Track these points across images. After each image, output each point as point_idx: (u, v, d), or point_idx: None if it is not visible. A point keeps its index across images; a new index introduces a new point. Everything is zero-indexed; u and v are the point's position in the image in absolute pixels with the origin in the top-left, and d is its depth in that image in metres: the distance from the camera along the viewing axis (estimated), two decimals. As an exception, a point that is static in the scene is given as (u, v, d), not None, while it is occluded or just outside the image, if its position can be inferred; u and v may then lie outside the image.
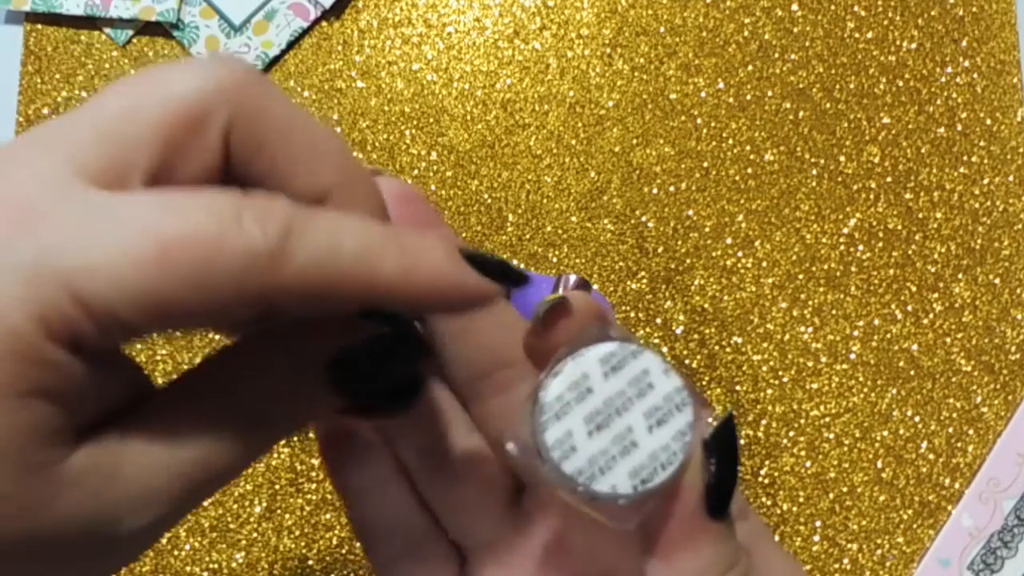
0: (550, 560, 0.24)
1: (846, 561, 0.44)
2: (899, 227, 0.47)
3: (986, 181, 0.48)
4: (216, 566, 0.43)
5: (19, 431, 0.16)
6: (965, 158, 0.48)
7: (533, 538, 0.24)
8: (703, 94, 0.48)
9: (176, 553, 0.43)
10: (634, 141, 0.48)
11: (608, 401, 0.20)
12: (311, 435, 0.45)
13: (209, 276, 0.16)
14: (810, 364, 0.46)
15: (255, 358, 0.20)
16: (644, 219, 0.47)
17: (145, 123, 0.18)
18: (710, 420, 0.21)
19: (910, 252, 0.47)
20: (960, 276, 0.47)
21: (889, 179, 0.48)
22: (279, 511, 0.44)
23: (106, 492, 0.17)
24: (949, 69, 0.49)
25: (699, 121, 0.48)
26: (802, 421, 0.45)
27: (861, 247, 0.47)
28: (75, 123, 0.18)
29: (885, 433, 0.45)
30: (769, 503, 0.45)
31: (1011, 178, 0.48)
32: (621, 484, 0.20)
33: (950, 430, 0.45)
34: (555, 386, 0.20)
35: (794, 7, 0.49)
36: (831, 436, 0.45)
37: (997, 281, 0.47)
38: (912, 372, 0.46)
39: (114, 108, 0.18)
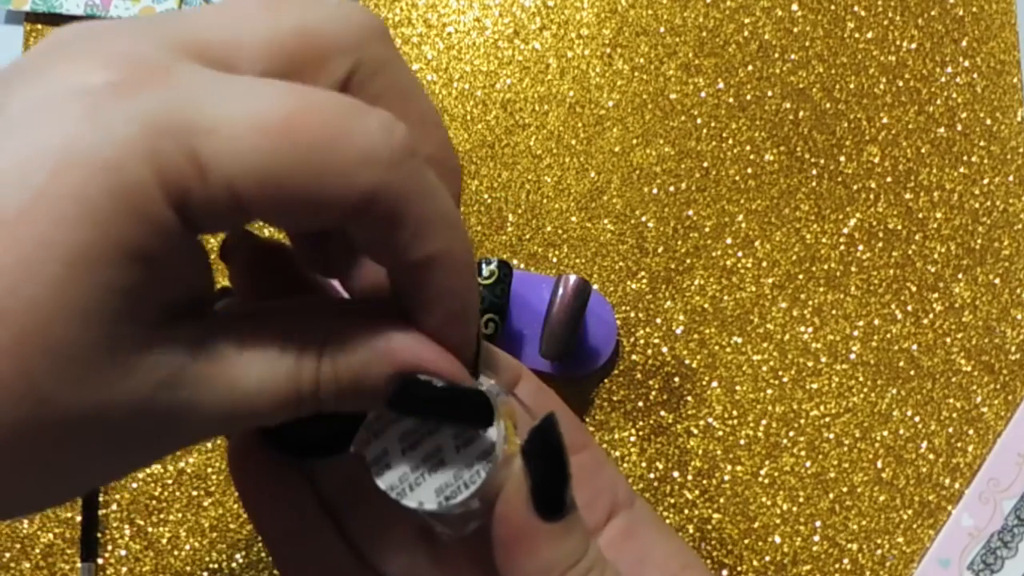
0: None
1: (846, 561, 0.44)
2: (899, 227, 0.47)
3: (986, 181, 0.48)
4: (216, 566, 0.43)
5: (112, 292, 0.15)
6: (965, 158, 0.48)
7: (448, 565, 0.24)
8: (703, 94, 0.48)
9: (176, 553, 0.43)
10: (634, 141, 0.48)
11: (422, 421, 0.21)
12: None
13: (327, 164, 0.16)
14: (810, 364, 0.46)
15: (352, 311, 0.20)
16: (644, 219, 0.47)
17: (265, 41, 0.17)
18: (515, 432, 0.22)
19: (910, 252, 0.47)
20: (960, 276, 0.47)
21: (889, 179, 0.48)
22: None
23: (173, 393, 0.16)
24: (949, 69, 0.49)
25: (699, 121, 0.48)
26: (802, 421, 0.45)
27: (861, 247, 0.47)
28: (196, 17, 0.17)
29: (885, 433, 0.45)
30: (769, 503, 0.45)
31: (1011, 178, 0.48)
32: (428, 500, 0.20)
33: (950, 430, 0.45)
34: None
35: (794, 7, 0.49)
36: (831, 436, 0.45)
37: (997, 281, 0.47)
38: (912, 372, 0.46)
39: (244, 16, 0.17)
